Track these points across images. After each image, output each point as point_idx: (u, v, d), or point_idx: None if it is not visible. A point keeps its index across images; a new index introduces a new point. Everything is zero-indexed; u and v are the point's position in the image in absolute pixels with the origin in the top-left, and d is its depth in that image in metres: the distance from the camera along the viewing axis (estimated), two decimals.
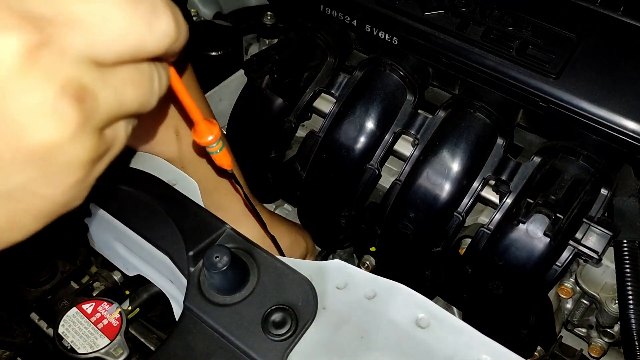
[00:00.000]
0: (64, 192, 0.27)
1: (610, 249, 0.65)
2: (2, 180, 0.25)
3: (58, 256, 0.63)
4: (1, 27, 0.22)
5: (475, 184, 0.69)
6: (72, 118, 0.24)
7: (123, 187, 0.61)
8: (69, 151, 0.25)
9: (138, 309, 0.62)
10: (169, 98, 0.32)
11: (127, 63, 0.27)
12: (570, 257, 0.63)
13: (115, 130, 0.29)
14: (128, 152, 0.67)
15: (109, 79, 0.26)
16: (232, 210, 0.67)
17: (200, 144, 0.44)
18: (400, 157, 0.78)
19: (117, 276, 0.66)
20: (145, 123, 0.44)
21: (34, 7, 0.23)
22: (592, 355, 0.75)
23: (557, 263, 0.64)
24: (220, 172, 0.55)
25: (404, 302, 0.52)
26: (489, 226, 0.68)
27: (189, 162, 0.63)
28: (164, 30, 0.27)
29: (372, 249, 0.81)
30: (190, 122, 0.41)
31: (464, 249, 0.72)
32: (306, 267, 0.54)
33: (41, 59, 0.23)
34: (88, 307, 0.58)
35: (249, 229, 0.63)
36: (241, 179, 0.65)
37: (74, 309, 0.58)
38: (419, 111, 0.75)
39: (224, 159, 0.47)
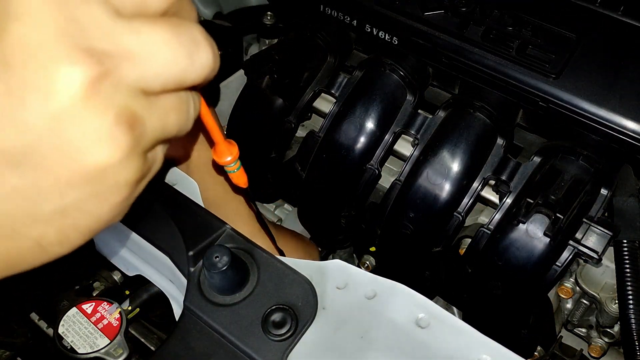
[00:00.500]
0: (110, 209, 0.30)
1: (610, 249, 0.65)
2: (57, 198, 0.27)
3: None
4: (68, 60, 0.25)
5: (475, 184, 0.69)
6: (125, 143, 0.27)
7: None
8: (119, 173, 0.28)
9: (138, 309, 0.62)
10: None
11: (170, 92, 0.30)
12: (570, 257, 0.63)
13: (155, 153, 0.31)
14: None
15: (155, 106, 0.29)
16: (240, 226, 0.67)
17: (219, 163, 0.46)
18: (400, 157, 0.78)
19: (117, 276, 0.66)
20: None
21: (95, 42, 0.25)
22: (592, 355, 0.75)
23: (557, 263, 0.64)
24: (235, 189, 0.56)
25: (404, 302, 0.52)
26: (489, 226, 0.68)
27: (198, 177, 0.63)
28: (203, 62, 0.29)
29: (372, 249, 0.81)
30: (210, 141, 0.44)
31: (464, 249, 0.72)
32: (306, 267, 0.54)
33: (100, 90, 0.26)
34: (88, 307, 0.58)
35: (257, 242, 0.63)
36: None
37: (74, 309, 0.58)
38: (419, 111, 0.75)
39: (241, 177, 0.49)
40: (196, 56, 0.29)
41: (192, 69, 0.29)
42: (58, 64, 0.25)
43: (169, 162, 0.66)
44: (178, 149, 0.62)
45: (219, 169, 0.48)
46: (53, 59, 0.25)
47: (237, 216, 0.55)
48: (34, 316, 0.62)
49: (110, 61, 0.26)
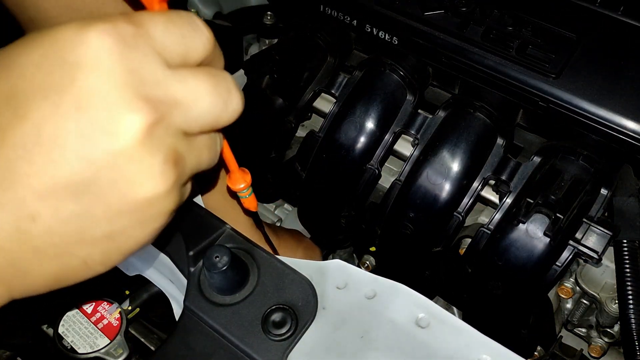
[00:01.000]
0: (149, 234, 0.34)
1: (610, 249, 0.65)
2: (107, 224, 0.31)
3: None
4: (130, 107, 0.29)
5: (475, 184, 0.69)
6: (171, 178, 0.31)
7: None
8: (162, 203, 0.32)
9: (138, 309, 0.62)
10: None
11: (205, 133, 0.35)
12: (570, 257, 0.63)
13: (187, 185, 0.36)
14: None
15: (193, 145, 0.33)
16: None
17: (233, 189, 0.50)
18: (400, 157, 0.78)
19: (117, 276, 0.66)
20: None
21: (151, 91, 0.30)
22: (592, 355, 0.75)
23: (557, 263, 0.64)
24: (245, 212, 0.61)
25: (404, 302, 0.52)
26: (489, 226, 0.68)
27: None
28: (235, 108, 0.34)
29: (372, 249, 0.81)
30: (225, 169, 0.49)
31: (464, 249, 0.72)
32: (306, 267, 0.54)
33: (154, 133, 0.30)
34: (88, 307, 0.58)
35: None
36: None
37: (74, 309, 0.58)
38: (419, 111, 0.75)
39: (252, 202, 0.53)
40: (229, 103, 0.34)
41: (225, 114, 0.34)
42: (122, 110, 0.29)
43: None
44: None
45: (231, 193, 0.52)
46: (118, 105, 0.29)
47: (237, 224, 0.56)
48: (34, 316, 0.62)
49: (163, 108, 0.30)
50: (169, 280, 0.60)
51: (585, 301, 0.72)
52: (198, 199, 0.61)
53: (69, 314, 0.57)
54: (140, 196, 0.31)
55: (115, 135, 0.29)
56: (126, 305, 0.61)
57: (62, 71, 0.28)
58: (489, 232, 0.67)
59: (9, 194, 0.29)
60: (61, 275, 0.33)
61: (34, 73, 0.29)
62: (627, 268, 0.62)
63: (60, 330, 0.56)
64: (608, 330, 0.72)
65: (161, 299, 0.62)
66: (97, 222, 0.31)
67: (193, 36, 0.33)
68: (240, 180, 0.49)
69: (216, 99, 0.33)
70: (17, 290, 0.33)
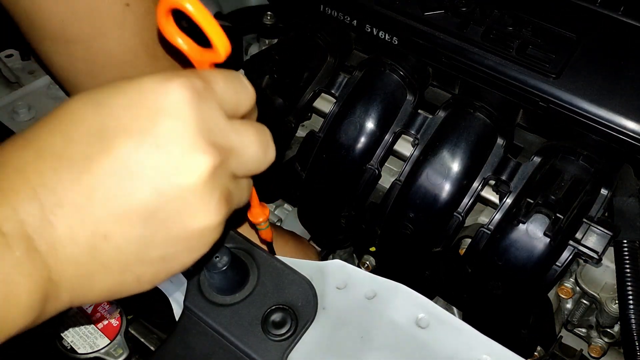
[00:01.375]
0: (192, 260, 0.39)
1: (610, 249, 0.65)
2: (164, 248, 0.36)
3: None
4: (201, 150, 0.34)
5: (475, 184, 0.69)
6: (222, 214, 0.37)
7: None
8: (211, 234, 0.37)
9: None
10: None
11: (247, 176, 0.41)
12: (570, 257, 0.63)
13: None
14: None
15: (239, 186, 0.40)
16: None
17: (253, 222, 0.55)
18: (400, 157, 0.78)
19: None
20: None
21: (216, 138, 0.35)
22: (592, 355, 0.75)
23: (557, 263, 0.64)
24: (261, 241, 0.64)
25: (404, 302, 0.52)
26: (489, 226, 0.67)
27: None
28: (271, 157, 0.41)
29: (372, 249, 0.81)
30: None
31: (464, 249, 0.72)
32: (306, 267, 0.54)
33: (216, 174, 0.35)
34: (88, 307, 0.58)
35: None
36: None
37: (74, 309, 0.58)
38: (419, 111, 0.75)
39: (268, 234, 0.58)
40: (268, 152, 0.41)
41: (265, 161, 0.41)
42: (194, 152, 0.34)
43: None
44: None
45: (250, 224, 0.57)
46: (191, 148, 0.34)
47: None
48: None
49: (224, 153, 0.36)
50: (168, 280, 0.60)
51: (585, 301, 0.72)
52: None
53: (69, 313, 0.57)
54: (196, 226, 0.36)
55: (186, 172, 0.34)
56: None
57: (146, 115, 0.34)
58: (489, 232, 0.67)
59: (89, 214, 0.33)
60: (116, 289, 0.37)
61: (121, 114, 0.34)
62: (627, 268, 0.62)
63: (60, 330, 0.56)
64: (608, 330, 0.72)
65: (161, 299, 0.62)
66: (156, 246, 0.36)
67: (243, 92, 0.39)
68: (260, 214, 0.54)
69: (260, 148, 0.39)
70: (78, 299, 0.36)
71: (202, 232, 0.36)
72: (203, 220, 0.36)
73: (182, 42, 0.39)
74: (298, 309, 0.50)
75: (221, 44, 0.37)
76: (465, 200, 0.69)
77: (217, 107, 0.36)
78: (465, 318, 0.76)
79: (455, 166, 0.68)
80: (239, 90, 0.39)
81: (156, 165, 0.33)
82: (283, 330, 0.49)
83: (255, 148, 0.39)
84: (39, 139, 0.34)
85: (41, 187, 0.32)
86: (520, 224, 0.64)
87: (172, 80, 0.35)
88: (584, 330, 0.77)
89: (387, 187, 0.74)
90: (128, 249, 0.35)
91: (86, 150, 0.33)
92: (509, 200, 0.67)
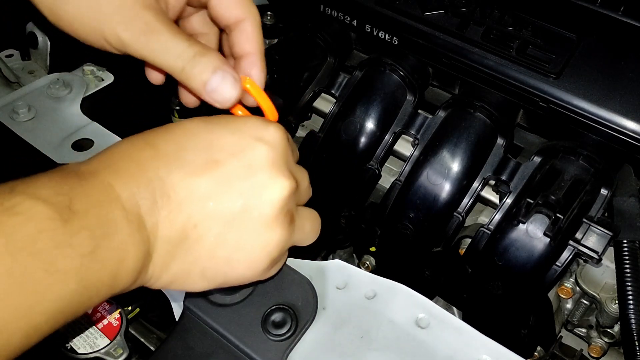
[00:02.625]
0: (250, 273, 0.44)
1: (610, 249, 0.65)
2: (231, 251, 0.42)
3: None
4: (285, 175, 0.43)
5: (475, 184, 0.69)
6: (286, 232, 0.44)
7: None
8: (274, 250, 0.43)
9: (138, 309, 0.61)
10: None
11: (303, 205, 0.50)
12: (570, 257, 0.63)
13: (286, 252, 0.50)
14: None
15: (299, 214, 0.47)
16: None
17: None
18: (400, 157, 0.78)
19: None
20: None
21: (293, 171, 0.45)
22: (592, 355, 0.75)
23: (557, 263, 0.64)
24: None
25: (404, 302, 0.52)
26: (489, 226, 0.67)
27: None
28: (310, 194, 0.51)
29: (372, 249, 0.81)
30: None
31: (464, 249, 0.72)
32: (306, 267, 0.54)
33: (290, 197, 0.43)
34: None
35: None
36: None
37: None
38: (419, 111, 0.75)
39: None
40: (309, 190, 0.51)
41: (308, 195, 0.51)
42: (281, 176, 0.43)
43: None
44: None
45: None
46: (279, 172, 0.43)
47: None
48: None
49: (296, 183, 0.44)
50: None
51: (585, 301, 0.72)
52: None
53: None
54: (265, 236, 0.42)
55: (271, 190, 0.42)
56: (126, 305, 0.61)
57: (248, 141, 0.42)
58: (489, 232, 0.67)
59: (187, 206, 0.40)
60: (182, 278, 0.42)
61: (228, 137, 0.42)
62: (627, 268, 0.62)
63: (60, 330, 0.56)
64: (608, 330, 0.72)
65: (161, 299, 0.62)
66: (227, 246, 0.41)
67: (295, 147, 0.50)
68: None
69: (307, 184, 0.49)
70: (154, 278, 0.41)
71: (267, 243, 0.42)
72: (272, 232, 0.42)
73: (241, 113, 0.49)
74: (298, 309, 0.50)
75: (272, 115, 0.50)
76: (465, 200, 0.69)
77: (291, 148, 0.46)
78: (465, 318, 0.76)
79: (455, 166, 0.68)
80: (293, 144, 0.49)
81: (249, 181, 0.41)
82: (283, 330, 0.49)
83: (306, 183, 0.49)
84: (156, 143, 0.41)
85: (155, 179, 0.39)
86: (520, 224, 0.64)
87: (270, 122, 0.45)
88: (584, 330, 0.77)
89: (387, 187, 0.74)
90: (207, 241, 0.41)
91: (195, 159, 0.41)
92: (509, 200, 0.67)
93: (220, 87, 0.44)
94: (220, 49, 0.54)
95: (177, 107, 0.93)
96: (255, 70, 0.49)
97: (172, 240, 0.40)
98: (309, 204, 0.51)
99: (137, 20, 0.43)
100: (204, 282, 0.43)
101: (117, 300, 0.59)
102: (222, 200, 0.41)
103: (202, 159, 0.41)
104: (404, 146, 0.77)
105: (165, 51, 0.43)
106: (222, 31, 0.53)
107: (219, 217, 0.41)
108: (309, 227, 0.49)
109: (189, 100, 0.52)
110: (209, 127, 0.43)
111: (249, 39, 0.49)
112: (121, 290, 0.39)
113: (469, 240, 0.71)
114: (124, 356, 0.55)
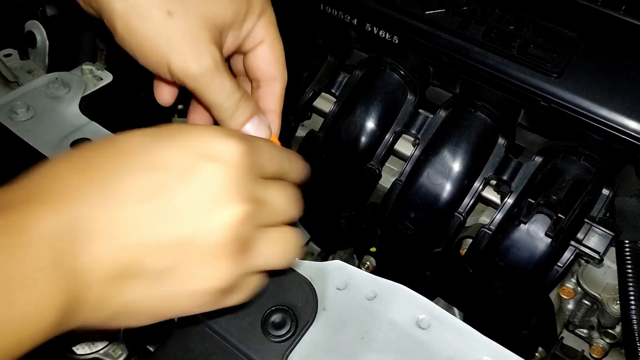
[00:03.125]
0: (192, 306, 0.41)
1: (612, 250, 0.65)
2: (178, 286, 0.38)
3: None
4: (241, 199, 0.39)
5: (477, 184, 0.69)
6: (233, 269, 0.40)
7: None
8: (215, 293, 0.40)
9: None
10: None
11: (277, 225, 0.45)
12: (572, 257, 0.63)
13: (254, 277, 0.45)
14: None
15: (266, 236, 0.42)
16: None
17: None
18: (400, 156, 0.78)
19: None
20: None
21: (254, 186, 0.40)
22: (594, 356, 0.75)
23: (558, 263, 0.64)
24: None
25: (404, 302, 0.51)
26: (490, 226, 0.67)
27: None
28: (297, 211, 0.47)
29: (373, 249, 0.81)
30: None
31: (465, 250, 0.72)
32: (306, 267, 0.54)
33: (244, 223, 0.39)
34: None
35: None
36: None
37: None
38: (420, 110, 0.74)
39: None
40: (292, 206, 0.45)
41: (288, 217, 0.45)
42: (233, 200, 0.38)
43: None
44: None
45: None
46: (230, 195, 0.38)
47: None
48: None
49: (256, 205, 0.40)
50: None
51: (586, 302, 0.72)
52: None
53: None
54: (211, 270, 0.38)
55: (218, 218, 0.37)
56: None
57: (198, 162, 0.38)
58: (490, 232, 0.67)
59: (122, 243, 0.35)
60: (116, 317, 0.38)
61: (175, 156, 0.38)
62: (628, 269, 0.62)
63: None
64: (609, 331, 0.72)
65: None
66: (167, 282, 0.37)
67: (288, 165, 0.46)
68: None
69: (285, 201, 0.44)
70: (90, 320, 0.37)
71: (212, 276, 0.39)
72: (218, 263, 0.38)
73: None
74: (298, 310, 0.50)
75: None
76: (466, 200, 0.69)
77: (253, 169, 0.40)
78: (466, 319, 0.76)
79: (456, 166, 0.68)
80: (286, 162, 0.46)
81: (194, 207, 0.37)
82: (283, 332, 0.49)
83: (283, 201, 0.44)
84: (92, 164, 0.37)
85: (83, 211, 0.35)
86: (522, 224, 0.63)
87: (229, 135, 0.39)
88: (585, 331, 0.77)
89: (388, 187, 0.74)
90: (144, 279, 0.37)
91: (133, 184, 0.36)
92: (510, 201, 0.67)
93: (253, 133, 0.48)
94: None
95: (181, 106, 0.93)
96: (273, 127, 0.53)
97: (104, 281, 0.35)
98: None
99: (207, 56, 0.45)
100: (145, 318, 0.39)
101: None
102: (160, 231, 0.36)
103: (141, 184, 0.36)
104: (405, 146, 0.77)
105: (220, 90, 0.46)
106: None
107: (157, 250, 0.36)
108: (278, 250, 0.43)
109: (164, 100, 0.53)
110: (155, 144, 0.38)
111: (275, 99, 0.54)
112: (38, 340, 0.34)
113: (470, 240, 0.70)
114: (123, 357, 0.55)
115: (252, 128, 0.49)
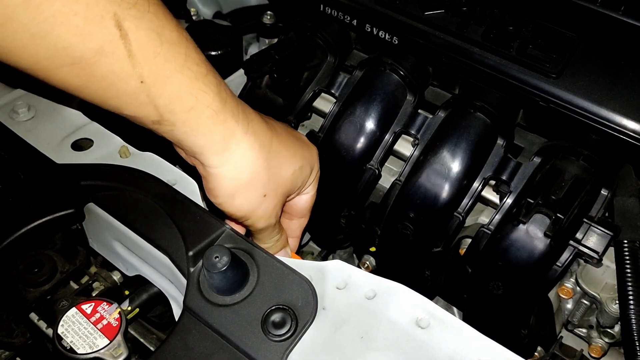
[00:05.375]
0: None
1: (611, 249, 0.65)
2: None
3: (57, 257, 0.63)
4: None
5: (476, 184, 0.69)
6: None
7: (123, 187, 0.61)
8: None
9: (137, 309, 0.61)
10: None
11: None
12: (571, 257, 0.63)
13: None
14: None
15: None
16: None
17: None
18: (400, 157, 0.78)
19: (116, 276, 0.66)
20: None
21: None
22: (593, 355, 0.75)
23: (557, 263, 0.64)
24: None
25: (404, 302, 0.52)
26: (489, 226, 0.67)
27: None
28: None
29: (372, 249, 0.81)
30: None
31: (464, 249, 0.72)
32: (306, 267, 0.54)
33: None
34: (87, 307, 0.58)
35: None
36: None
37: (74, 309, 0.58)
38: (419, 111, 0.74)
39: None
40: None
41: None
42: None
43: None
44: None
45: None
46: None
47: None
48: (34, 316, 0.62)
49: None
50: (168, 281, 0.60)
51: (585, 301, 0.72)
52: (197, 196, 0.61)
53: (69, 314, 0.57)
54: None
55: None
56: (126, 305, 0.61)
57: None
58: (490, 232, 0.67)
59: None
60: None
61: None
62: (627, 268, 0.62)
63: (60, 330, 0.56)
64: (608, 330, 0.72)
65: (161, 299, 0.62)
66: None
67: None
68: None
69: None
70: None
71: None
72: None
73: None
74: (298, 309, 0.50)
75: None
76: (466, 200, 0.69)
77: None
78: (465, 318, 0.76)
79: (456, 166, 0.68)
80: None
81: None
82: (283, 331, 0.49)
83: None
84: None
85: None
86: (521, 224, 0.63)
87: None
88: (584, 330, 0.77)
89: (387, 187, 0.74)
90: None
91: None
92: (509, 201, 0.67)
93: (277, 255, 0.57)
94: None
95: None
96: (292, 247, 0.67)
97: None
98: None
99: (275, 216, 0.58)
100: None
101: (117, 300, 0.59)
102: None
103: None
104: (404, 146, 0.77)
105: (268, 236, 0.60)
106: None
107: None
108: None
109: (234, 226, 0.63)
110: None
111: (299, 230, 0.68)
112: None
113: (469, 240, 0.70)
114: (124, 356, 0.55)
115: (278, 255, 0.58)
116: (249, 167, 0.53)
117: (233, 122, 0.51)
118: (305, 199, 0.64)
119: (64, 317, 0.57)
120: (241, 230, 0.62)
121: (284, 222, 0.66)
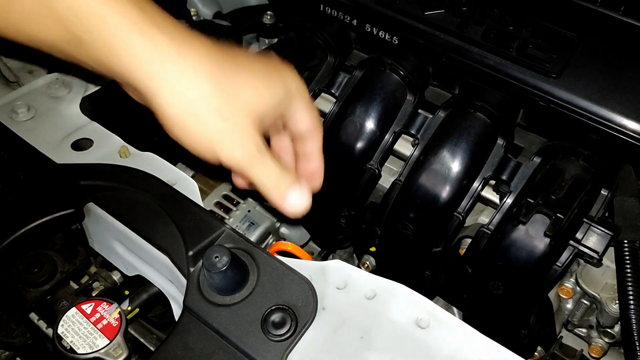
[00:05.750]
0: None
1: (611, 249, 0.65)
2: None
3: (57, 256, 0.63)
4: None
5: (476, 184, 0.69)
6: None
7: (123, 187, 0.61)
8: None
9: (137, 309, 0.61)
10: None
11: None
12: (571, 257, 0.63)
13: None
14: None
15: None
16: None
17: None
18: (400, 157, 0.78)
19: (116, 276, 0.66)
20: None
21: None
22: (593, 355, 0.75)
23: (557, 263, 0.64)
24: None
25: (404, 302, 0.52)
26: (489, 226, 0.67)
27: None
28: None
29: (372, 249, 0.81)
30: None
31: (464, 249, 0.72)
32: (306, 267, 0.54)
33: None
34: (87, 307, 0.58)
35: None
36: None
37: (74, 309, 0.58)
38: (419, 111, 0.74)
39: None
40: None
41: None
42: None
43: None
44: None
45: None
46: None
47: None
48: (34, 316, 0.62)
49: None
50: (168, 281, 0.60)
51: (585, 301, 0.72)
52: (197, 196, 0.61)
53: (69, 314, 0.57)
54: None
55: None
56: (125, 305, 0.61)
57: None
58: (489, 232, 0.67)
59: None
60: None
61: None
62: (627, 268, 0.62)
63: (60, 330, 0.56)
64: (608, 330, 0.72)
65: (161, 299, 0.62)
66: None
67: None
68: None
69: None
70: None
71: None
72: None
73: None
74: (298, 309, 0.50)
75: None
76: (466, 200, 0.69)
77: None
78: (465, 318, 0.76)
79: (456, 166, 0.68)
80: None
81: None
82: (283, 331, 0.49)
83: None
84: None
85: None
86: (521, 224, 0.63)
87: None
88: (584, 330, 0.77)
89: (387, 187, 0.74)
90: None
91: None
92: (509, 200, 0.67)
93: (295, 202, 0.52)
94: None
95: None
96: (317, 183, 0.61)
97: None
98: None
99: (250, 142, 0.50)
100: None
101: (117, 300, 0.59)
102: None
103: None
104: (404, 146, 0.77)
105: (262, 170, 0.51)
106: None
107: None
108: None
109: (239, 183, 0.58)
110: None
111: (315, 152, 0.59)
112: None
113: (469, 240, 0.70)
114: (124, 356, 0.55)
115: (293, 197, 0.52)
116: (194, 87, 0.47)
117: (160, 36, 0.46)
118: (300, 116, 0.56)
119: (64, 317, 0.57)
120: (245, 185, 0.57)
121: (300, 149, 0.59)
